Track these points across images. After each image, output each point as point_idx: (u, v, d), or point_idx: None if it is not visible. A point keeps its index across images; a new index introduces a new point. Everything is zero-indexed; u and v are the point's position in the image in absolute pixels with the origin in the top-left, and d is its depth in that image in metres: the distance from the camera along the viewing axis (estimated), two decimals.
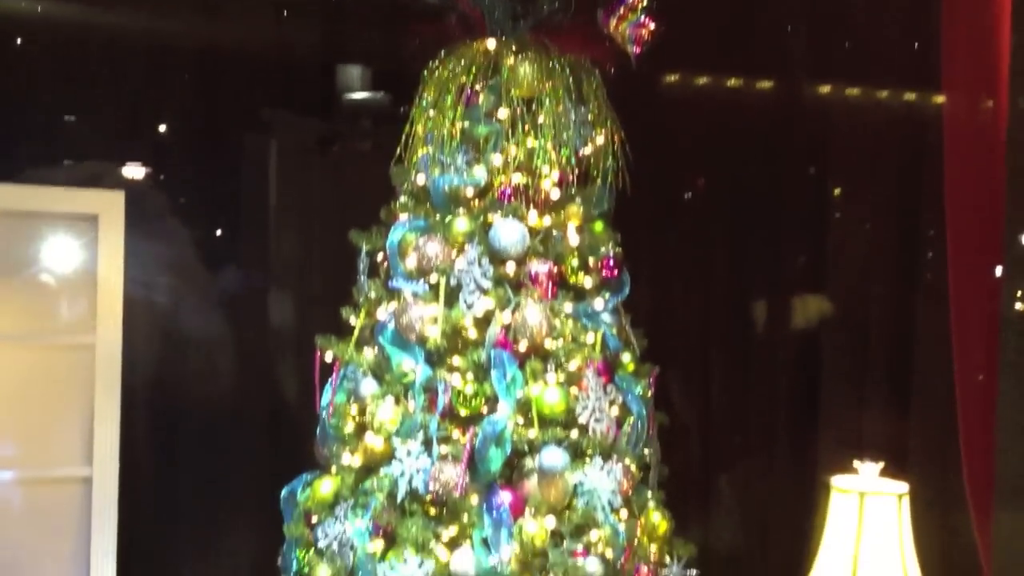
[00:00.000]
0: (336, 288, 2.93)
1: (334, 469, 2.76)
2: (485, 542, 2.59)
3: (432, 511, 2.65)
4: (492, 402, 2.63)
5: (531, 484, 2.62)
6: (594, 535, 2.64)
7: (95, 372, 3.09)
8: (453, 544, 2.62)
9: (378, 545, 2.62)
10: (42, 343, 3.14)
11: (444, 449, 2.59)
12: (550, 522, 2.59)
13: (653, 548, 2.81)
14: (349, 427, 2.77)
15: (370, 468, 2.68)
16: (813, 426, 3.68)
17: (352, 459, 2.70)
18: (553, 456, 2.58)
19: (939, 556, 3.19)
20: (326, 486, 2.74)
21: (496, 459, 2.60)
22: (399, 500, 2.61)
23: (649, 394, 2.89)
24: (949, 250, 3.03)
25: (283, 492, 2.88)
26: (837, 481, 2.87)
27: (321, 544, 2.69)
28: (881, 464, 2.86)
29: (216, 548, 3.39)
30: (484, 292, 2.65)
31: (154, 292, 3.32)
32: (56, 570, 3.11)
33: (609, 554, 2.64)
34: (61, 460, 3.11)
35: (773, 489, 3.73)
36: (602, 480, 2.63)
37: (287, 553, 2.85)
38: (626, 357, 2.89)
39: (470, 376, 2.63)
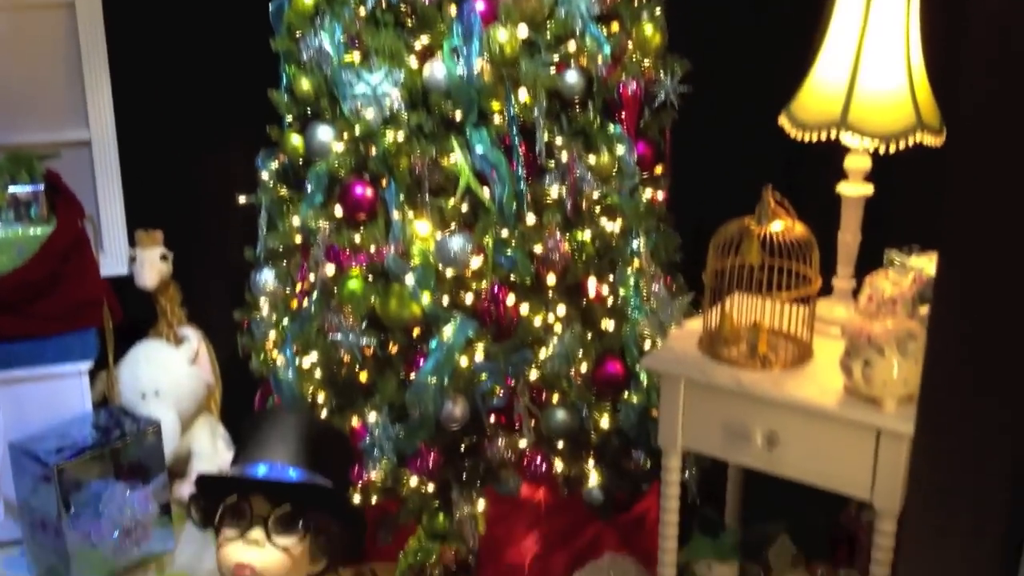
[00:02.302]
0: None
1: None
2: (457, 52, 2.52)
3: (407, 23, 2.58)
4: None
5: None
6: (572, 46, 2.54)
7: None
8: (426, 54, 2.56)
9: (354, 56, 2.59)
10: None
11: None
12: (523, 31, 2.49)
13: (646, 63, 2.70)
14: None
15: None
16: None
17: None
18: None
19: None
20: None
21: None
22: (370, 7, 2.54)
23: None
24: None
25: (271, 8, 2.83)
26: None
27: (304, 57, 2.67)
28: None
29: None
30: None
31: None
32: None
33: (591, 66, 2.55)
34: None
35: None
36: None
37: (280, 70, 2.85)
38: None
39: None
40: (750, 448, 2.22)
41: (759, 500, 2.70)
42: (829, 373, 2.19)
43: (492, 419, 2.69)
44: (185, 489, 3.04)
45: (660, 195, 2.84)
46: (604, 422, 2.72)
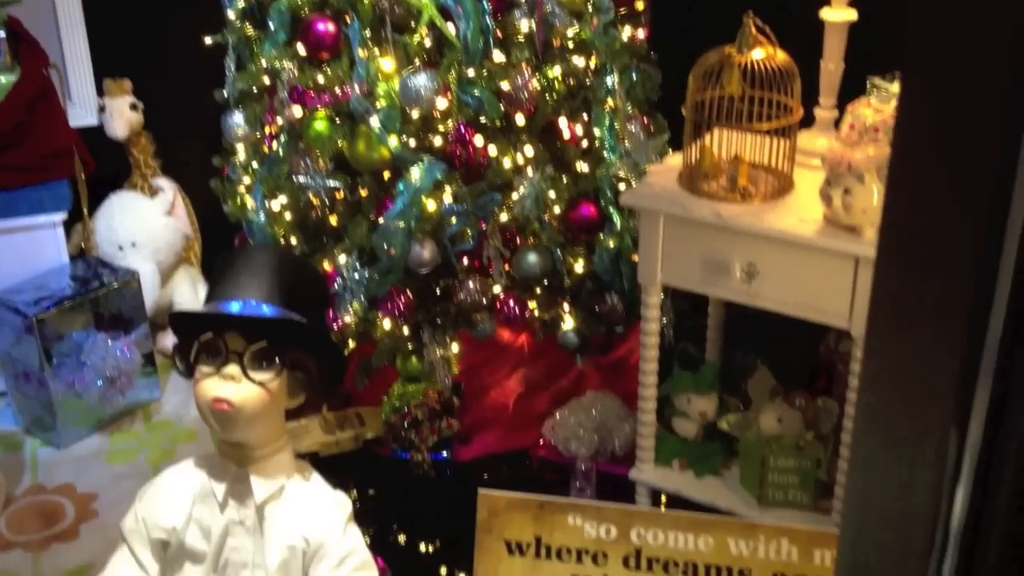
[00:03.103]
0: None
1: None
2: None
3: None
4: None
5: None
6: None
7: None
8: None
9: None
10: None
11: None
12: None
13: None
14: None
15: None
16: None
17: None
18: None
19: None
20: None
21: None
22: None
23: None
24: None
25: None
26: None
27: None
28: None
29: None
30: None
31: None
32: None
33: None
34: None
35: None
36: None
37: None
38: None
39: None
40: (729, 282, 2.21)
41: (739, 337, 2.71)
42: (809, 204, 2.17)
43: (465, 263, 2.68)
44: (168, 340, 3.04)
45: (641, 33, 2.76)
46: (578, 266, 2.71)
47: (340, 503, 1.73)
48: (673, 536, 1.72)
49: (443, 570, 2.48)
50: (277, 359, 1.67)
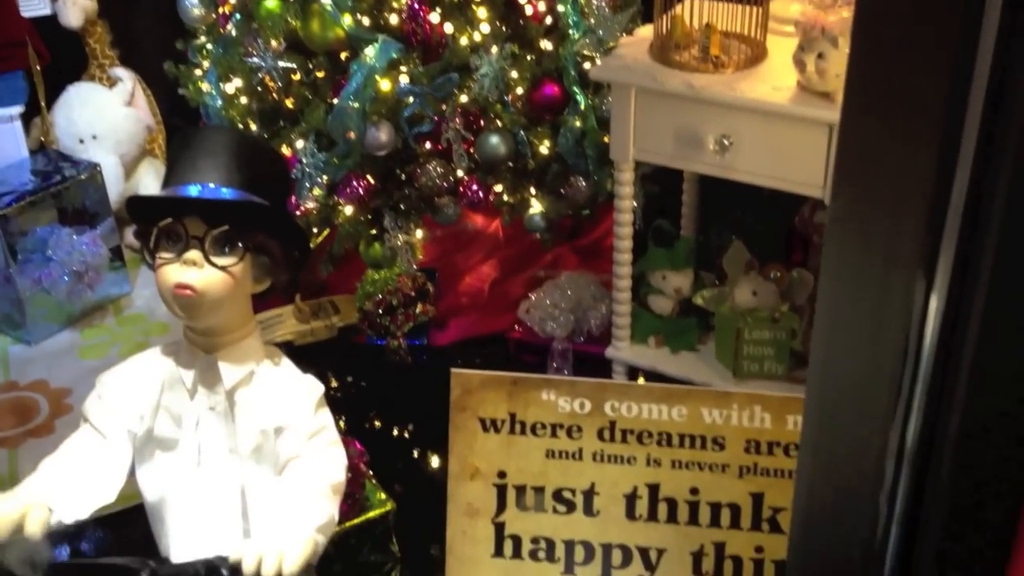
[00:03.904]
0: None
1: None
2: None
3: None
4: None
5: None
6: None
7: None
8: None
9: None
10: None
11: None
12: None
13: None
14: None
15: None
16: None
17: None
18: None
19: None
20: None
21: None
22: None
23: None
24: None
25: None
26: None
27: None
28: None
29: None
30: None
31: None
32: None
33: None
34: None
35: None
36: None
37: None
38: None
39: None
40: (703, 155, 2.17)
41: (713, 214, 2.68)
42: (783, 72, 2.12)
43: (428, 147, 2.61)
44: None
45: None
46: (543, 148, 2.64)
47: (311, 386, 1.72)
48: (647, 408, 1.72)
49: (416, 452, 2.50)
50: (239, 243, 1.62)
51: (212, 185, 1.63)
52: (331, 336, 2.78)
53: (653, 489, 1.73)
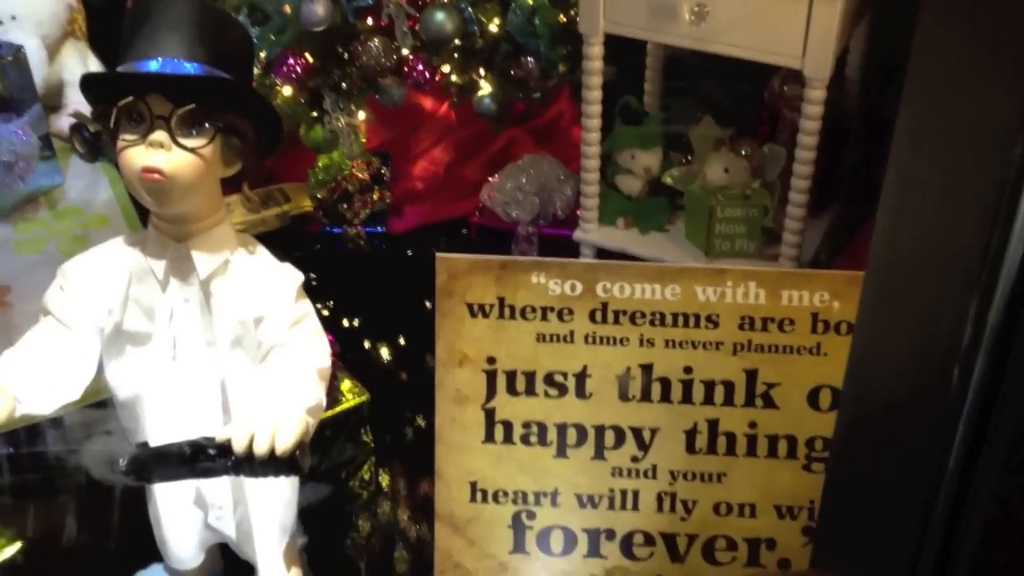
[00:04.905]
0: None
1: None
2: None
3: None
4: None
5: None
6: None
7: None
8: None
9: None
10: None
11: None
12: None
13: None
14: None
15: None
16: None
17: None
18: None
19: None
20: None
21: None
22: None
23: None
24: None
25: None
26: None
27: None
28: None
29: None
30: None
31: None
32: None
33: None
34: None
35: None
36: None
37: None
38: None
39: None
40: (677, 25, 2.09)
41: (680, 91, 2.61)
42: None
43: (370, 23, 2.47)
44: (64, 122, 2.81)
45: None
46: (492, 26, 2.53)
47: (290, 274, 1.64)
48: (640, 287, 1.67)
49: (385, 342, 2.43)
50: (208, 123, 1.51)
51: (175, 59, 1.50)
52: (284, 225, 2.66)
53: (646, 369, 1.69)
